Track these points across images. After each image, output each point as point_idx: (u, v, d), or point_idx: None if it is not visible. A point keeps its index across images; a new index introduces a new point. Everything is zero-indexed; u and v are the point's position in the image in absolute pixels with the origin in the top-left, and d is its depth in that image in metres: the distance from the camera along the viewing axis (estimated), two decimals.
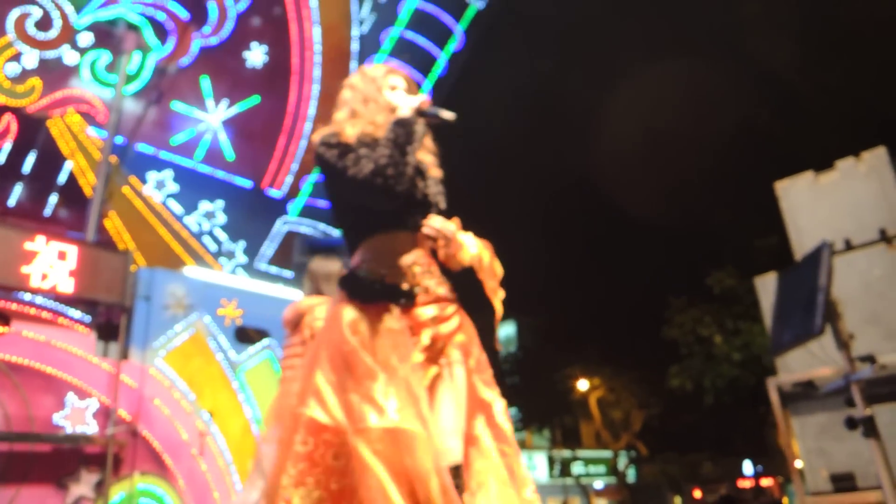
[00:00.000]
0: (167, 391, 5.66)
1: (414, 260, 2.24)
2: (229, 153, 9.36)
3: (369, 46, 10.34)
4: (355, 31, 10.49)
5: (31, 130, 7.64)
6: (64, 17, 7.94)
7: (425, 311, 2.19)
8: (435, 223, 2.28)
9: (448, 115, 2.33)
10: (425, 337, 2.16)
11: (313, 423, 1.99)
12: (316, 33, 10.08)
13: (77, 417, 5.17)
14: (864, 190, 4.81)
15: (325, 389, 2.02)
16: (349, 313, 2.12)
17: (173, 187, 8.76)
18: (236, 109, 9.41)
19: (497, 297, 2.39)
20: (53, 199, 7.83)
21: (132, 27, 8.14)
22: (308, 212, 9.86)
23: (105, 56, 8.13)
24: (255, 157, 9.61)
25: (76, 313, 5.35)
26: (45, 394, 5.08)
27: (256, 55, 9.62)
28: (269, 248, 9.46)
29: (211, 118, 9.24)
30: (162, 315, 5.87)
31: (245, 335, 6.36)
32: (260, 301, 6.63)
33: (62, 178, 7.70)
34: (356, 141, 2.23)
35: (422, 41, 10.21)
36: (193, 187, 8.92)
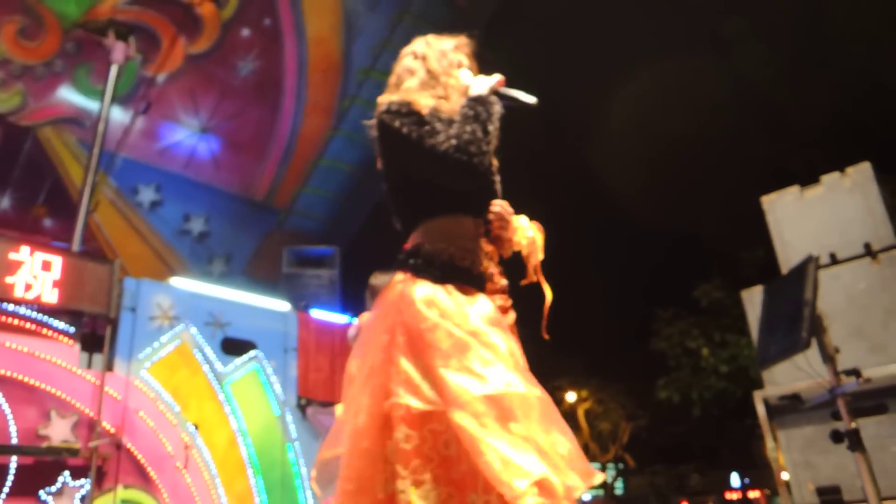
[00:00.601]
0: (152, 403, 5.61)
1: (480, 246, 2.09)
2: (217, 163, 9.34)
3: (359, 59, 10.36)
4: (345, 44, 10.51)
5: (17, 139, 7.60)
6: (52, 26, 7.91)
7: (493, 300, 2.03)
8: (494, 207, 2.15)
9: (529, 99, 2.15)
10: None
11: (410, 413, 1.75)
12: (305, 44, 10.10)
13: (60, 429, 5.11)
14: (848, 204, 4.86)
15: (413, 374, 1.79)
16: (420, 290, 1.90)
17: (160, 197, 8.72)
18: (225, 119, 9.40)
19: (545, 282, 2.23)
20: (39, 208, 7.78)
21: (121, 37, 8.12)
22: (295, 222, 9.84)
23: (92, 65, 8.10)
24: (242, 168, 9.60)
25: (60, 324, 5.29)
26: (28, 405, 5.02)
27: (245, 66, 9.62)
28: (256, 258, 9.43)
29: (199, 128, 9.22)
30: (147, 326, 5.82)
31: (231, 347, 6.32)
32: (247, 312, 6.59)
33: (48, 188, 7.64)
34: (429, 114, 2.03)
35: None
36: (180, 197, 8.90)
